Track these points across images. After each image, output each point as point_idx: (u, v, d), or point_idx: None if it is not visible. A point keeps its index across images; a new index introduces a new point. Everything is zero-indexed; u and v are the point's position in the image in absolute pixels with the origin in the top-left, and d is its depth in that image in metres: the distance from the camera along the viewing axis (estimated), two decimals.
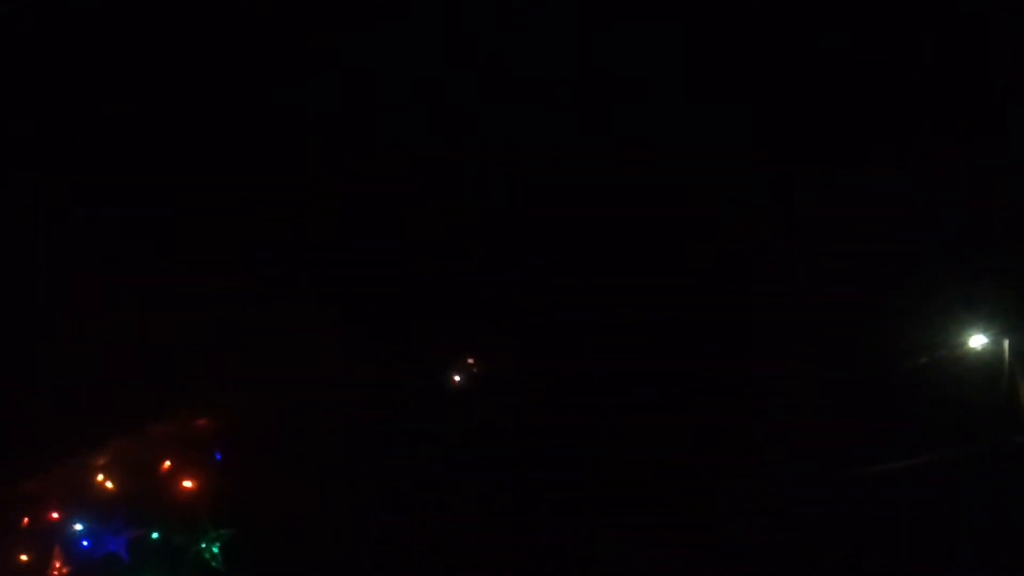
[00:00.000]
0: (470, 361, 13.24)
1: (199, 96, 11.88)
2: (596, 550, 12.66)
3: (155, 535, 12.87)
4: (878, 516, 12.05)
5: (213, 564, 12.56)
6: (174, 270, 12.26)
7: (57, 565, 13.17)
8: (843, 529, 12.09)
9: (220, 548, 12.58)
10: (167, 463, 13.15)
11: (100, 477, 13.25)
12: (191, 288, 12.30)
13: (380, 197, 12.34)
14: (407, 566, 12.63)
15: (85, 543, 13.14)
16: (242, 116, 11.98)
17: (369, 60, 11.88)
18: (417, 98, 11.91)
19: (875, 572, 12.12)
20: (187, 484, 12.95)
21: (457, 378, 13.17)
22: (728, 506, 12.60)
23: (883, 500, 12.05)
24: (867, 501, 12.08)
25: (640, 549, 12.52)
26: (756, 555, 12.35)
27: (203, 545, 12.54)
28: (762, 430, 12.41)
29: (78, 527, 13.17)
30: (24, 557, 13.42)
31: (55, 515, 13.39)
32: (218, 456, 13.04)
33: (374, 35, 11.69)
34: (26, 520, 13.51)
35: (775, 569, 12.29)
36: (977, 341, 11.88)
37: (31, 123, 11.85)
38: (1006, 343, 11.84)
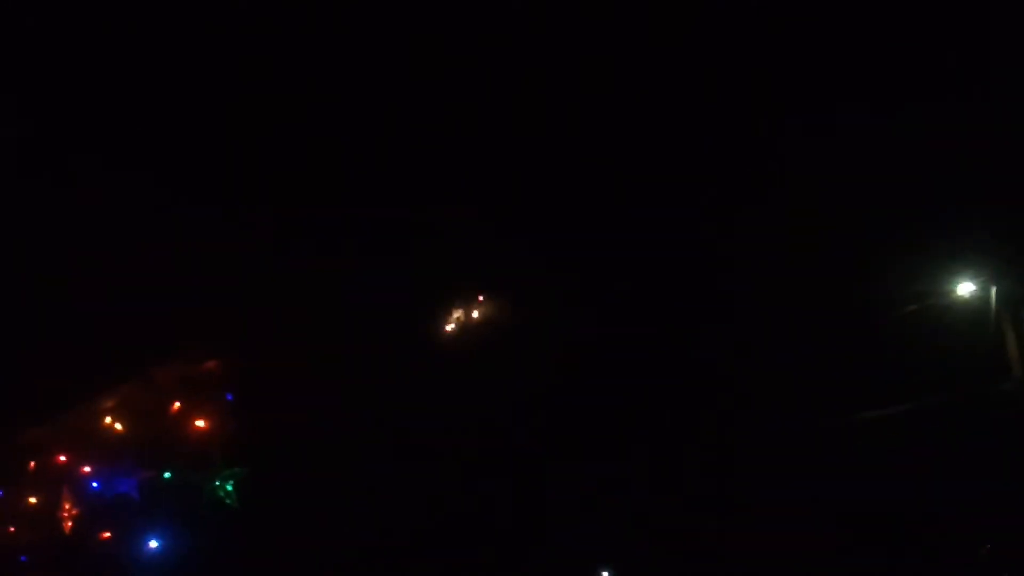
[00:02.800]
0: (480, 298, 13.70)
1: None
2: (592, 493, 13.11)
3: (167, 475, 13.19)
4: (866, 462, 12.36)
5: (228, 502, 12.97)
6: (180, 214, 12.52)
7: (67, 507, 13.50)
8: (832, 475, 12.40)
9: (234, 486, 12.97)
10: (176, 405, 13.47)
11: (108, 420, 13.59)
12: (196, 232, 12.56)
13: (385, 140, 12.74)
14: (418, 494, 13.07)
15: (95, 485, 13.46)
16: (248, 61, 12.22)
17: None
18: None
19: (863, 517, 12.48)
20: (199, 424, 13.29)
21: (474, 315, 13.70)
22: (718, 452, 12.95)
23: (871, 447, 12.41)
24: (855, 448, 12.45)
25: (633, 493, 13.01)
26: (746, 500, 12.71)
27: (217, 483, 12.90)
28: (750, 379, 12.84)
29: (87, 470, 13.44)
30: (33, 500, 13.77)
31: (62, 458, 13.73)
32: (229, 396, 13.39)
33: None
34: (32, 464, 13.86)
35: (765, 513, 12.50)
36: (965, 289, 12.30)
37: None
38: (993, 291, 12.26)
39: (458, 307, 13.62)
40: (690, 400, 13.13)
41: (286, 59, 12.18)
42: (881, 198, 12.25)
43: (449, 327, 13.65)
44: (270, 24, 11.92)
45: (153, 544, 13.19)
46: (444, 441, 13.07)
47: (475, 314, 13.67)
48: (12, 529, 13.76)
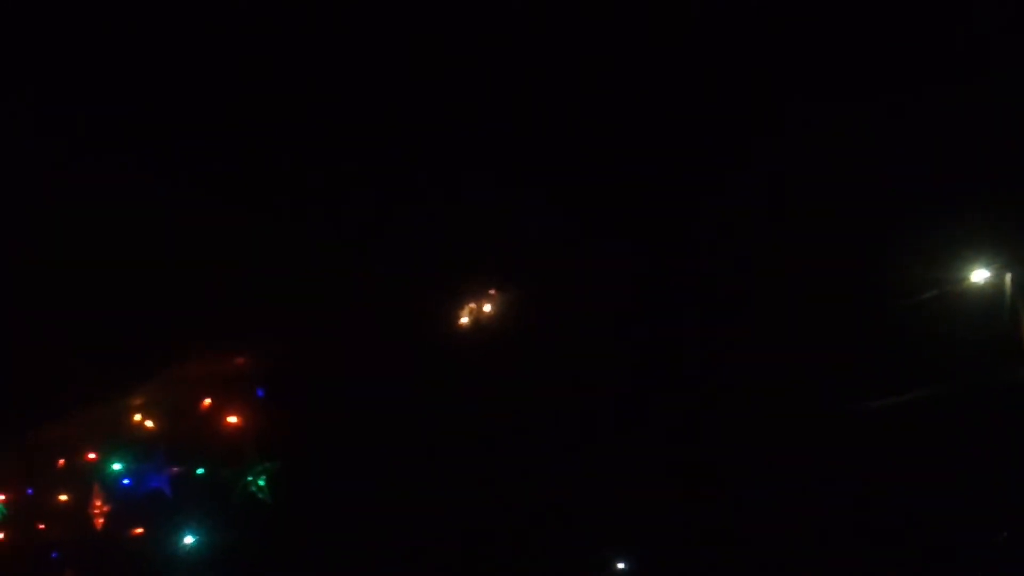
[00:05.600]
0: (492, 292, 13.83)
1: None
2: (608, 485, 13.14)
3: (199, 471, 13.46)
4: (880, 449, 12.28)
5: (260, 496, 13.18)
6: (209, 214, 12.57)
7: (97, 504, 13.76)
8: (847, 462, 12.33)
9: (267, 480, 13.19)
10: (207, 401, 13.72)
11: (138, 417, 13.83)
12: (226, 228, 12.64)
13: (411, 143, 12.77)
14: (441, 486, 13.21)
15: (126, 481, 13.71)
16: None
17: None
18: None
19: (878, 504, 12.36)
20: (231, 420, 13.53)
21: (486, 308, 13.83)
22: (733, 442, 12.86)
23: (885, 434, 12.33)
24: (870, 435, 12.36)
25: (649, 485, 12.97)
26: (761, 489, 12.67)
27: (250, 478, 13.13)
28: (764, 368, 12.68)
29: (117, 467, 13.71)
30: (63, 498, 14.04)
31: (92, 455, 13.98)
32: (260, 392, 13.61)
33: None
34: (62, 461, 14.13)
35: (779, 502, 12.50)
36: (979, 276, 12.21)
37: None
38: (1008, 277, 12.18)
39: (470, 301, 13.82)
40: (705, 391, 13.18)
41: (295, 56, 12.25)
42: (895, 184, 12.18)
43: (463, 320, 13.87)
44: (278, 20, 12.03)
45: (186, 540, 13.41)
46: (464, 435, 13.26)
47: (487, 308, 13.85)
48: (43, 526, 14.10)
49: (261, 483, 13.06)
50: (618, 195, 12.98)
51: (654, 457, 12.99)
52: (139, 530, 13.63)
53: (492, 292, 13.86)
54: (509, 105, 12.51)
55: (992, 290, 12.16)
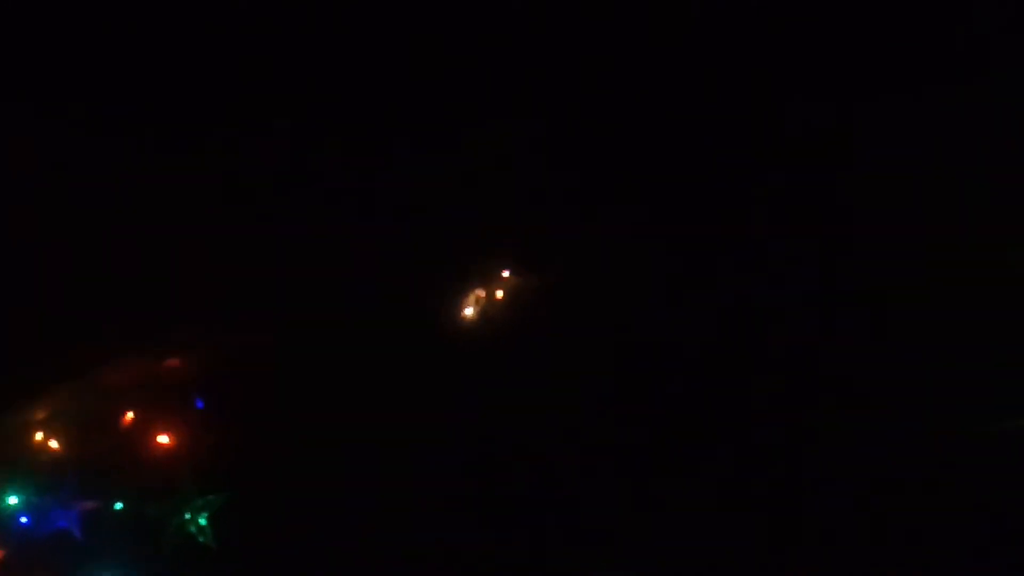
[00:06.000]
0: (505, 275, 12.72)
1: None
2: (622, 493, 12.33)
3: (118, 506, 11.64)
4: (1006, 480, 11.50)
5: (201, 539, 11.45)
6: (137, 169, 11.31)
7: None
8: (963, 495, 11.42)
9: (209, 519, 11.45)
10: (129, 415, 11.93)
11: (40, 436, 11.94)
12: (156, 192, 11.32)
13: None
14: (421, 525, 12.02)
15: (24, 520, 11.78)
16: None
17: None
18: None
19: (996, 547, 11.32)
20: (161, 440, 11.80)
21: (497, 295, 12.73)
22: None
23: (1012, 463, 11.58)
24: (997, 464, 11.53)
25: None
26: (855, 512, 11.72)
27: (187, 516, 11.42)
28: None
29: (13, 500, 11.75)
30: None
31: None
32: (199, 404, 11.92)
33: None
34: None
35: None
36: None
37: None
38: None
39: (479, 286, 12.65)
40: (719, 386, 12.46)
41: (289, 38, 11.73)
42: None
43: (468, 310, 12.68)
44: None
45: None
46: (461, 442, 12.17)
47: (499, 294, 12.72)
48: None
49: (202, 522, 11.36)
50: (641, 181, 12.62)
51: (665, 456, 12.31)
52: None
53: (504, 275, 12.78)
54: (527, 89, 12.16)
55: None
